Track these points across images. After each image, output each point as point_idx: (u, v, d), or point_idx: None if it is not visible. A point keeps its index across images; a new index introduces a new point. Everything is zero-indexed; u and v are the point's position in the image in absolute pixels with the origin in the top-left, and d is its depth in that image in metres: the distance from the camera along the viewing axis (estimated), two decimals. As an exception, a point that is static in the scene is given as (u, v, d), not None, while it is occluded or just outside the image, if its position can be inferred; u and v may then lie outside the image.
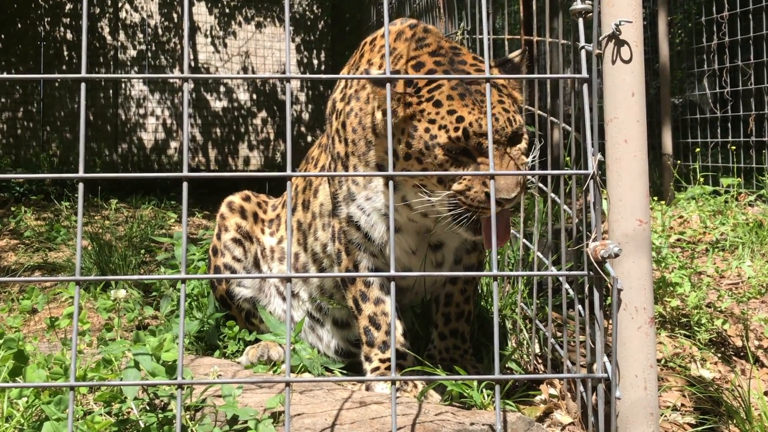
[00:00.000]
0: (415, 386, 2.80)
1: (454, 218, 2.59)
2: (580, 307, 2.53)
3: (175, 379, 2.59)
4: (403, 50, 2.85)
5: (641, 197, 2.11)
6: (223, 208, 3.75)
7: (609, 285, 1.99)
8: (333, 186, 3.09)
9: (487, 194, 2.50)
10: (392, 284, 2.03)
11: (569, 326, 3.03)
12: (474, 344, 3.29)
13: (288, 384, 2.03)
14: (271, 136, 15.59)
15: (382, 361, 2.98)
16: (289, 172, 2.07)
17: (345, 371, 3.33)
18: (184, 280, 2.02)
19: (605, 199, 2.17)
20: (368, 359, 3.01)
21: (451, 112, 2.56)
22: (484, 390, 2.65)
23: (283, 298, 3.58)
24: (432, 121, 2.57)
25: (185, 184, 2.02)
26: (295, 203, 3.56)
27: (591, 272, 2.07)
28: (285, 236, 3.61)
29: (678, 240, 5.53)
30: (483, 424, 2.39)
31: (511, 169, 2.50)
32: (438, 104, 2.57)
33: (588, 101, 2.09)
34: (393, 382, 2.04)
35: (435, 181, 2.61)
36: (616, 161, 2.11)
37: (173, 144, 15.13)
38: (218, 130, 15.39)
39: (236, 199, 3.79)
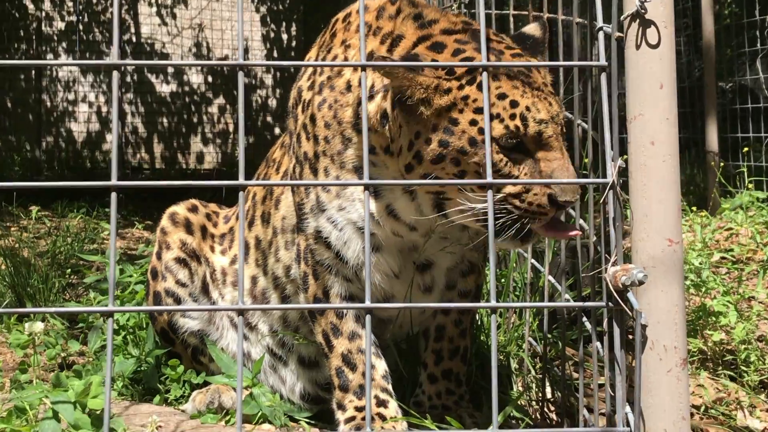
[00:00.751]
0: (400, 440, 2.80)
1: (497, 227, 2.56)
2: (598, 344, 2.54)
3: (104, 432, 2.59)
4: (392, 29, 2.85)
5: (672, 212, 2.12)
6: (165, 221, 3.75)
7: (632, 318, 2.00)
8: (298, 195, 3.09)
9: (550, 196, 2.51)
10: (368, 318, 2.04)
11: (587, 365, 3.03)
12: (472, 388, 3.30)
13: (239, 441, 2.03)
14: (230, 128, 15.61)
15: (358, 409, 2.98)
16: (241, 181, 2.07)
17: (313, 421, 3.33)
18: (111, 314, 2.02)
19: (628, 211, 2.18)
20: (341, 407, 3.01)
21: (501, 96, 2.54)
22: (482, 445, 2.66)
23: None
24: (479, 110, 2.54)
25: (114, 196, 2.02)
26: (253, 216, 3.56)
27: (610, 303, 2.07)
28: (238, 254, 3.61)
29: (723, 259, 5.56)
30: (480, 489, 2.40)
31: (569, 168, 2.52)
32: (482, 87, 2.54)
33: (607, 94, 2.11)
34: (368, 439, 2.03)
35: (475, 186, 2.56)
36: (641, 168, 2.12)
37: (110, 137, 15.09)
38: (165, 120, 15.38)
39: (180, 209, 3.79)
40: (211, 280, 3.66)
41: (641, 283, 2.01)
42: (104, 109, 15.11)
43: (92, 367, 3.58)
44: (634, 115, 2.13)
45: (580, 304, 2.07)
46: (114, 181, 2.04)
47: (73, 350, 3.93)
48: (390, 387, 3.00)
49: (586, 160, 3.11)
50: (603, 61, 2.11)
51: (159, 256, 3.69)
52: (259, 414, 3.17)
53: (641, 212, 2.12)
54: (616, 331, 2.08)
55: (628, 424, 2.06)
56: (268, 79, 15.77)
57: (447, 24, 2.78)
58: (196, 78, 15.54)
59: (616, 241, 2.08)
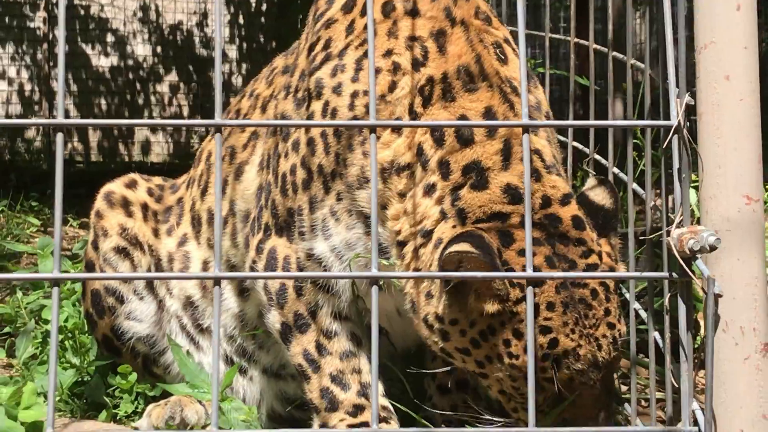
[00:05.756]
0: (407, 467, 2.84)
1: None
2: (656, 335, 2.56)
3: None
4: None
5: (751, 162, 2.13)
6: (99, 203, 3.75)
7: (701, 291, 2.01)
8: (291, 199, 3.08)
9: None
10: (374, 289, 2.05)
11: (639, 377, 3.04)
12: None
13: (215, 439, 2.04)
14: (185, 110, 15.57)
15: (351, 426, 2.99)
16: (218, 120, 2.08)
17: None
18: (57, 282, 2.03)
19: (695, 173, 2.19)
20: (326, 427, 3.04)
21: (545, 330, 2.63)
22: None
23: (190, 337, 3.60)
24: (518, 334, 2.66)
25: (60, 137, 2.04)
26: (206, 182, 3.59)
27: (674, 274, 2.09)
28: (189, 233, 3.63)
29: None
30: None
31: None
32: (534, 312, 2.63)
33: (669, 17, 2.12)
34: (375, 438, 2.05)
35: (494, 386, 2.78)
36: (714, 108, 2.14)
37: (35, 120, 15.03)
38: (104, 102, 15.36)
39: (116, 187, 3.79)
40: (157, 272, 3.67)
41: (713, 248, 2.02)
42: (27, 87, 15.08)
43: (22, 380, 3.57)
44: (705, 43, 2.15)
45: (635, 275, 2.07)
46: (60, 119, 2.05)
47: (-3, 359, 3.93)
48: (390, 406, 3.04)
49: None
50: (666, -25, 2.13)
51: (95, 246, 3.70)
52: (231, 432, 3.18)
53: (713, 163, 2.14)
54: (682, 308, 2.10)
55: (695, 423, 2.07)
56: (232, 51, 15.74)
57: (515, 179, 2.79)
58: (142, 49, 15.49)
59: (682, 198, 2.10)
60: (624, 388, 3.39)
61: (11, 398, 2.75)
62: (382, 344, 3.20)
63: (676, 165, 2.11)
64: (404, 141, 2.87)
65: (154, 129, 15.59)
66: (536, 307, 2.61)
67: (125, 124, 2.11)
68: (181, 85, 15.55)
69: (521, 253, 2.65)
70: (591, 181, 2.96)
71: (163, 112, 15.53)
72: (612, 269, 2.71)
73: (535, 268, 2.61)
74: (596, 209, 2.85)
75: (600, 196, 2.89)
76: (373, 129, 2.07)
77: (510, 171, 2.75)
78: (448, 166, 2.79)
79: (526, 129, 2.07)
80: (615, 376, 2.81)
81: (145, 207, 3.76)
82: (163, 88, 15.50)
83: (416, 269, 2.81)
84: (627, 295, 2.89)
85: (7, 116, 14.95)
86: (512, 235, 2.70)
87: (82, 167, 14.79)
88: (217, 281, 2.05)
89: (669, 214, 2.15)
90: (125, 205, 3.72)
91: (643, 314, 2.75)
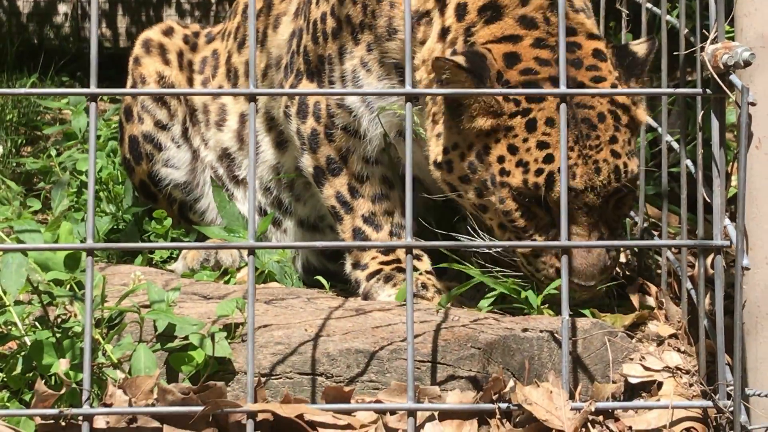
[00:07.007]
0: (438, 292, 2.88)
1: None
2: (689, 163, 2.56)
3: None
4: None
5: (787, -22, 2.11)
6: (138, 49, 3.78)
7: (736, 104, 2.00)
8: (321, 46, 3.12)
9: (559, 271, 2.61)
10: (408, 106, 2.05)
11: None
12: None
13: (252, 251, 2.07)
14: (214, -8, 15.46)
15: (383, 263, 3.06)
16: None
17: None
18: (95, 98, 2.05)
19: None
20: (359, 266, 3.12)
21: (541, 145, 2.64)
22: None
23: (225, 188, 3.64)
24: (513, 149, 2.66)
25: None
26: (244, 36, 3.59)
27: (707, 90, 2.08)
28: (225, 85, 3.64)
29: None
30: (541, 330, 2.45)
31: (589, 254, 2.67)
32: (531, 126, 2.65)
33: None
34: (409, 251, 2.08)
35: (494, 219, 2.76)
36: None
37: (62, 8, 14.98)
38: (133, -21, 15.26)
39: (154, 34, 3.81)
40: (191, 123, 3.70)
41: (747, 63, 2.02)
42: (57, -34, 14.96)
43: (58, 228, 3.61)
44: None
45: (668, 91, 2.06)
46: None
47: (33, 209, 3.94)
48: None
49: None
50: None
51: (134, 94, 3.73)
52: (265, 273, 3.22)
53: (748, -21, 2.12)
54: (715, 124, 2.09)
55: (726, 237, 2.08)
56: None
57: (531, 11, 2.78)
58: (169, -72, 15.32)
59: (717, 14, 2.08)
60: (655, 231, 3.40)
61: (49, 232, 2.77)
62: (418, 191, 3.24)
63: (711, -20, 2.10)
64: None
65: (182, 14, 15.47)
66: (534, 122, 2.63)
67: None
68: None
69: (524, 72, 2.66)
70: (640, 40, 2.98)
71: (191, -6, 15.41)
72: (626, 107, 2.70)
73: (534, 84, 2.63)
74: (627, 53, 2.86)
75: (637, 46, 2.91)
76: None
77: (527, 7, 2.76)
78: (465, 8, 2.80)
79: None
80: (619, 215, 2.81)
81: (180, 55, 3.77)
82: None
83: (434, 113, 2.84)
84: (660, 130, 2.90)
85: (35, 2, 14.86)
86: (519, 56, 2.70)
87: (111, 51, 14.73)
88: (252, 97, 2.08)
89: (704, 30, 2.14)
90: (162, 52, 3.75)
91: (675, 145, 2.76)
